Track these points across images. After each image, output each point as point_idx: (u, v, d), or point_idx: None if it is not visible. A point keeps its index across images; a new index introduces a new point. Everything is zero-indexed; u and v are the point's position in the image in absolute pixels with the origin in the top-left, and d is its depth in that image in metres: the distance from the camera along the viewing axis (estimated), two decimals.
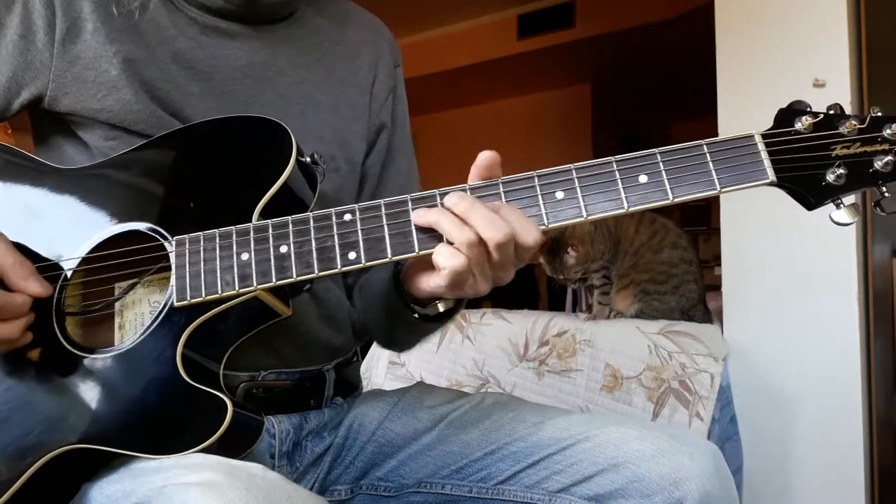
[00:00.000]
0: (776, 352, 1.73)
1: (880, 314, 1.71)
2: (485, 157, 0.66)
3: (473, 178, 0.67)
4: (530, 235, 0.63)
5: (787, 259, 1.71)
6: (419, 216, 0.65)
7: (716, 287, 1.93)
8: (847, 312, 1.63)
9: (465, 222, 0.63)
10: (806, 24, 1.69)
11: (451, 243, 0.63)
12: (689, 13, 3.82)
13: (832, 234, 1.65)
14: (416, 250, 0.65)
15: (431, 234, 0.65)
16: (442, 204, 0.65)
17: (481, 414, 0.84)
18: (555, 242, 1.95)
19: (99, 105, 0.77)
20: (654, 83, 5.08)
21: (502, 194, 0.66)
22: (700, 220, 5.51)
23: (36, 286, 0.68)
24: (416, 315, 0.76)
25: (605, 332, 1.79)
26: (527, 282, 4.54)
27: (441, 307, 0.75)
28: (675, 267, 1.88)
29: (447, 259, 0.63)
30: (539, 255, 2.00)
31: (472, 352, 1.98)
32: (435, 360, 2.05)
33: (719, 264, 1.86)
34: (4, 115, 0.80)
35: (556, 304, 3.97)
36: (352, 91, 0.93)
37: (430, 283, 0.69)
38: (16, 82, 0.78)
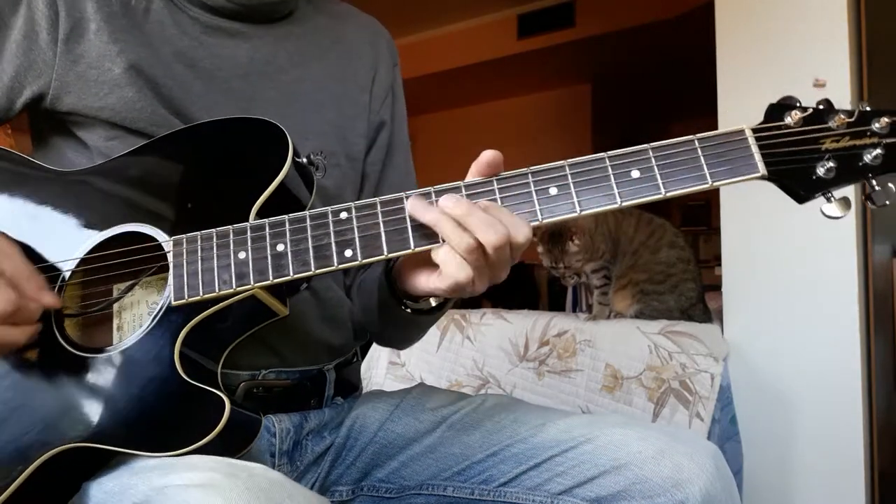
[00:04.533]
0: (776, 352, 1.73)
1: (880, 314, 1.71)
2: (488, 157, 0.67)
3: (473, 175, 0.68)
4: (521, 233, 0.64)
5: (788, 259, 1.72)
6: (417, 210, 0.65)
7: (716, 287, 1.93)
8: (847, 312, 1.63)
9: (464, 227, 0.63)
10: (806, 24, 1.69)
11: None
12: (689, 13, 3.82)
13: (833, 235, 1.65)
14: (412, 247, 0.66)
15: (426, 231, 0.66)
16: (437, 203, 0.65)
17: (483, 416, 0.84)
18: (556, 230, 1.95)
19: (101, 103, 0.78)
20: (654, 83, 5.09)
21: (497, 191, 0.66)
22: (700, 220, 5.52)
23: (50, 298, 0.69)
24: (409, 310, 0.76)
25: (605, 332, 1.79)
26: (527, 282, 4.55)
27: (433, 302, 0.76)
28: (673, 266, 1.88)
29: (456, 271, 0.64)
30: (538, 244, 2.00)
31: (472, 352, 1.98)
32: (435, 360, 2.05)
33: (719, 264, 1.86)
34: (8, 114, 0.80)
35: (556, 305, 3.97)
36: (353, 88, 0.94)
37: (429, 284, 0.70)
38: (19, 81, 0.79)
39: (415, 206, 0.65)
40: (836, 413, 1.64)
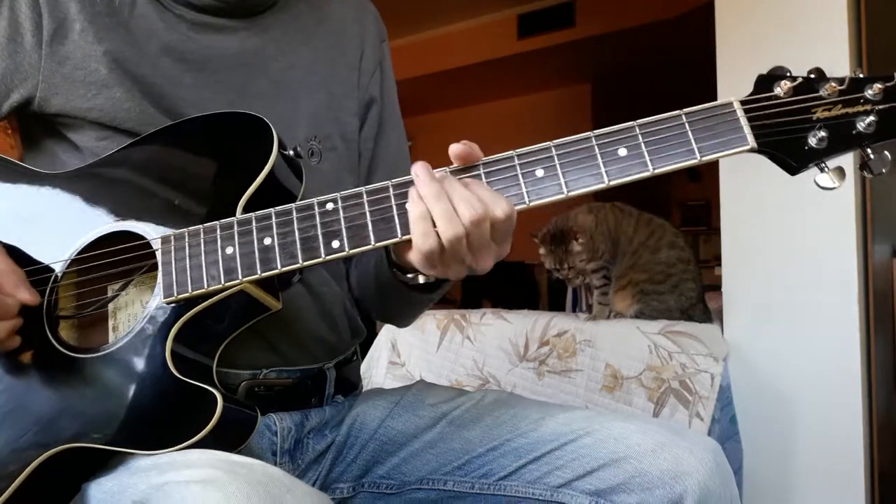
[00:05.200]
0: (776, 352, 1.73)
1: (880, 314, 1.71)
2: (455, 152, 0.66)
3: None
4: (500, 208, 0.63)
5: (788, 259, 1.71)
6: (419, 181, 0.65)
7: (716, 287, 1.93)
8: (847, 312, 1.63)
9: (448, 197, 0.63)
10: (806, 24, 1.69)
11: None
12: (689, 13, 3.82)
13: (833, 235, 1.65)
14: (399, 235, 0.66)
15: None
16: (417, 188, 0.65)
17: (482, 411, 0.84)
18: (559, 231, 1.95)
19: (89, 104, 0.78)
20: (654, 83, 5.08)
21: (482, 175, 0.66)
22: (700, 220, 5.52)
23: (26, 294, 0.69)
24: (400, 281, 0.76)
25: (605, 332, 1.79)
26: (527, 282, 4.55)
27: (421, 279, 0.75)
28: (673, 266, 1.88)
29: (421, 239, 0.64)
30: (540, 246, 2.01)
31: (472, 352, 1.98)
32: (435, 360, 2.05)
33: (719, 264, 1.86)
34: None
35: (556, 305, 3.97)
36: (341, 68, 0.94)
37: (410, 256, 0.69)
38: (5, 85, 0.79)
39: (419, 173, 0.65)
40: (836, 413, 1.64)
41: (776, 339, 1.73)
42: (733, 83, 1.77)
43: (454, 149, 0.66)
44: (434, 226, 0.63)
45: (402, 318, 0.97)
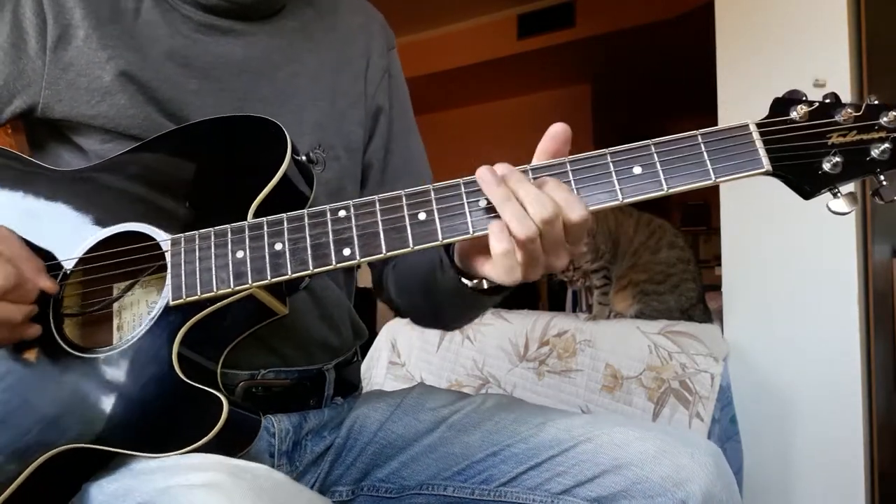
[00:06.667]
0: (776, 352, 1.73)
1: (880, 314, 1.71)
2: (553, 130, 0.65)
3: (541, 153, 0.66)
4: (575, 211, 0.62)
5: (788, 259, 1.72)
6: (486, 183, 0.63)
7: (716, 287, 1.93)
8: (847, 312, 1.64)
9: (519, 200, 0.62)
10: (806, 24, 1.69)
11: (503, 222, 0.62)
12: (689, 13, 3.82)
13: (833, 235, 1.65)
14: (411, 246, 0.65)
15: (427, 230, 0.65)
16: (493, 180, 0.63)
17: (483, 416, 0.84)
18: None
19: (93, 111, 0.78)
20: (654, 83, 5.09)
21: None
22: (700, 220, 5.51)
23: (46, 281, 0.69)
24: (470, 288, 0.73)
25: (605, 332, 1.79)
26: (527, 282, 4.55)
27: (486, 283, 0.73)
28: (673, 267, 1.88)
29: (506, 274, 0.63)
30: None
31: (472, 352, 1.98)
32: (435, 360, 2.05)
33: (719, 264, 1.86)
34: None
35: (556, 305, 3.97)
36: (347, 78, 0.93)
37: (484, 269, 0.68)
38: (7, 91, 0.78)
39: (483, 177, 0.63)
40: (836, 413, 1.64)
41: (776, 339, 1.73)
42: (733, 83, 1.77)
43: (558, 126, 0.65)
44: (515, 251, 0.62)
45: (460, 322, 0.94)
